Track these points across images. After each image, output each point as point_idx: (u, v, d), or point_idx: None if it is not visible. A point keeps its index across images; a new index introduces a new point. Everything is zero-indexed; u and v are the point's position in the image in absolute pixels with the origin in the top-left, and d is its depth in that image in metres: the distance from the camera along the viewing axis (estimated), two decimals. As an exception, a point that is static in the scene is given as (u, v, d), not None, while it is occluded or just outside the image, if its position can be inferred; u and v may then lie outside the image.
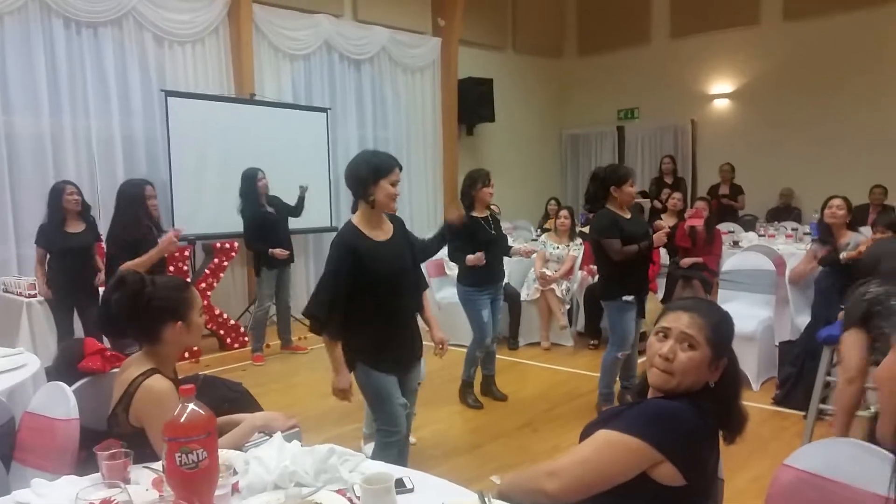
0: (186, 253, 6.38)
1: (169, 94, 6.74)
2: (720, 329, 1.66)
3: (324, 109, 8.14)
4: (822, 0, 9.18)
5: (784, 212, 9.26)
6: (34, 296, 5.34)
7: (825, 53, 9.26)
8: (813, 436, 3.72)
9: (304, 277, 8.19)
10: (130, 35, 6.77)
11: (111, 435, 2.04)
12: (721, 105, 10.50)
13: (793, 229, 7.58)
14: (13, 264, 6.08)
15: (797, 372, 4.53)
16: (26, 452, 2.37)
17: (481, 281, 4.58)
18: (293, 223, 6.81)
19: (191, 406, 1.53)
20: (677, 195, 7.11)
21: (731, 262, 5.46)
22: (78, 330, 4.93)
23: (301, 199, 6.40)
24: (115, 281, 2.10)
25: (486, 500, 1.57)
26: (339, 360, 2.79)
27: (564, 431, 4.17)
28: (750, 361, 4.89)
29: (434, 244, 4.42)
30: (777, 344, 5.09)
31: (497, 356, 5.04)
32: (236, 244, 6.58)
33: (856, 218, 4.83)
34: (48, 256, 4.98)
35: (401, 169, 2.87)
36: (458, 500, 1.66)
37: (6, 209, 6.08)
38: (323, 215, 7.97)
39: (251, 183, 5.93)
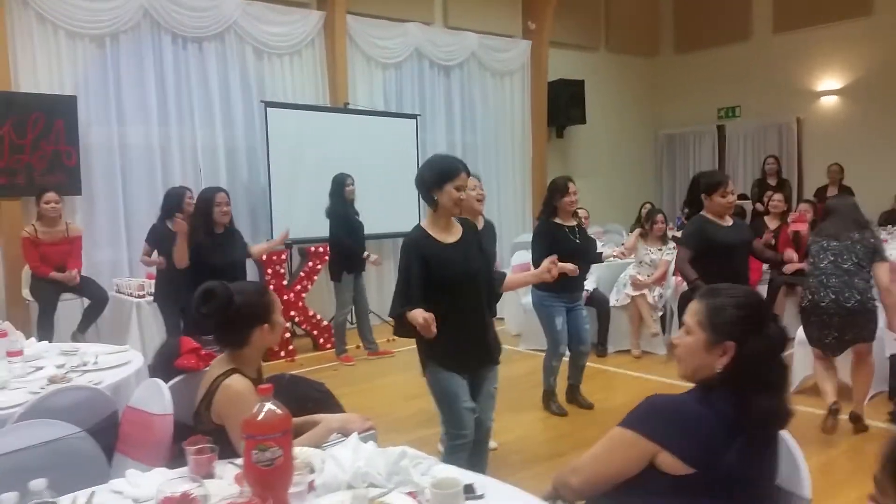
0: (283, 256, 6.64)
1: (268, 104, 7.04)
2: (719, 312, 1.69)
3: (413, 116, 8.28)
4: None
5: (897, 215, 8.63)
6: (143, 296, 5.70)
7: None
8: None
9: (391, 280, 8.31)
10: (232, 48, 7.13)
11: (197, 431, 2.15)
12: (829, 102, 9.90)
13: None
14: (125, 266, 6.50)
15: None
16: (127, 445, 2.52)
17: (557, 287, 4.49)
18: (382, 227, 6.97)
19: (268, 405, 1.59)
20: (778, 197, 6.79)
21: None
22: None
23: None
24: (203, 293, 2.19)
25: None
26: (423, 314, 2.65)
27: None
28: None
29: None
30: (888, 356, 4.74)
31: (587, 363, 4.94)
32: (329, 248, 6.77)
33: None
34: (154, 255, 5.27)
35: (469, 174, 2.88)
36: None
37: (119, 214, 6.51)
38: (411, 219, 8.01)
39: (340, 187, 6.09)
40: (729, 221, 4.20)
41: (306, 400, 2.52)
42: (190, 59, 6.90)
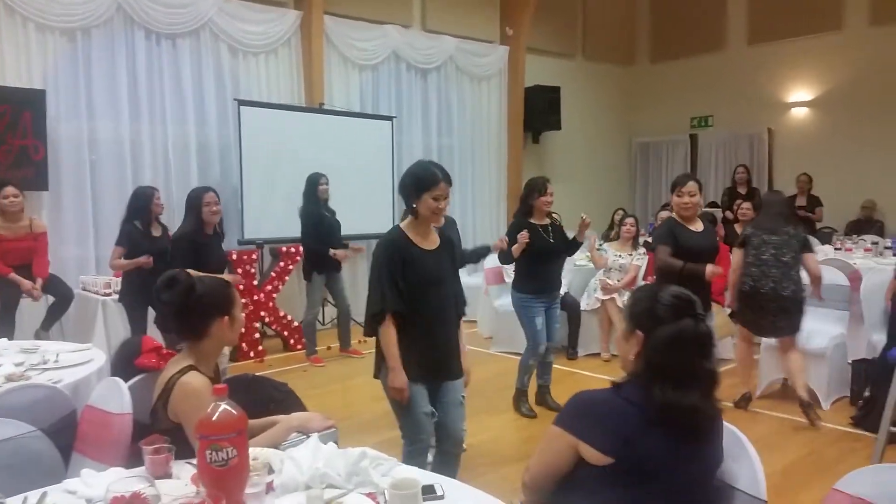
0: (254, 256, 6.58)
1: (241, 103, 6.98)
2: (636, 304, 1.80)
3: (390, 118, 8.26)
4: (913, 3, 8.72)
5: (865, 224, 8.81)
6: (109, 294, 5.60)
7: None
8: (883, 459, 3.53)
9: (365, 281, 8.28)
10: (207, 45, 7.05)
11: (154, 430, 2.12)
12: (799, 113, 10.08)
13: (873, 243, 7.21)
14: (91, 264, 6.38)
15: (875, 393, 4.31)
16: (85, 444, 2.47)
17: (536, 288, 4.54)
18: (357, 228, 6.93)
19: (223, 405, 1.57)
20: (746, 205, 6.90)
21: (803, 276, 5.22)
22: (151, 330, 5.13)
23: None
24: (166, 280, 2.17)
25: None
26: (395, 357, 2.75)
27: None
28: (820, 378, 4.71)
29: (472, 256, 4.69)
30: (850, 362, 4.84)
31: (555, 366, 4.98)
32: (302, 248, 6.73)
33: None
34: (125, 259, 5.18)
35: (449, 184, 2.84)
36: None
37: (87, 210, 6.40)
38: (386, 221, 8.03)
39: (313, 187, 6.06)
40: (700, 227, 4.27)
41: (268, 400, 2.49)
42: (163, 56, 6.81)
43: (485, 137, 9.58)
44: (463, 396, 3.00)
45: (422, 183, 2.79)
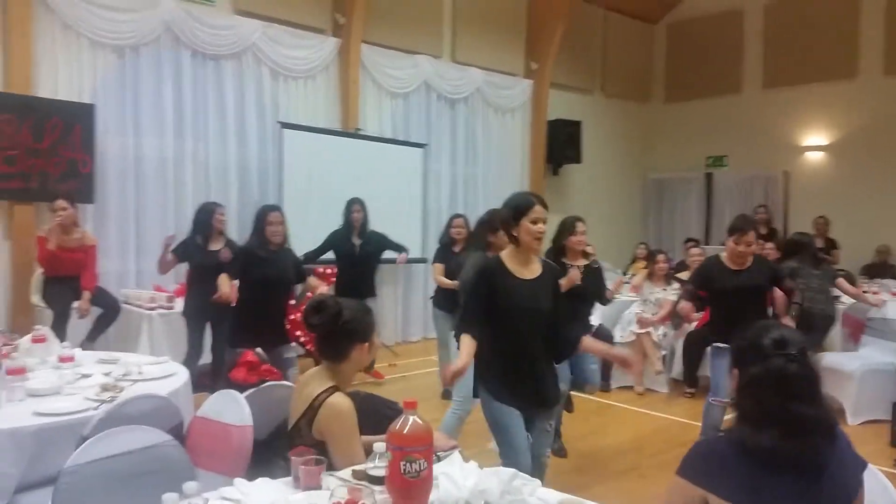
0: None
1: (284, 125, 7.10)
2: (737, 341, 1.82)
3: (421, 145, 8.41)
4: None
5: (880, 268, 8.98)
6: (154, 308, 5.64)
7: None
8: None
9: (393, 306, 8.38)
10: (249, 68, 7.19)
11: (294, 445, 2.17)
12: (815, 157, 10.34)
13: (898, 287, 7.38)
14: (131, 277, 6.43)
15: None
16: (198, 455, 2.53)
17: None
18: (387, 253, 6.94)
19: (412, 418, 1.65)
20: (769, 245, 7.04)
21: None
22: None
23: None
24: (314, 304, 2.25)
25: None
26: (468, 350, 2.77)
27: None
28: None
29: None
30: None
31: (590, 397, 5.00)
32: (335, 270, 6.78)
33: None
34: (188, 273, 5.26)
35: (545, 207, 2.89)
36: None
37: (129, 225, 6.46)
38: (414, 246, 8.12)
39: (346, 212, 6.10)
40: (746, 264, 4.22)
41: (382, 418, 2.55)
42: (208, 76, 6.94)
43: (508, 168, 9.75)
44: (551, 424, 3.06)
45: (518, 209, 2.85)
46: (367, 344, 2.26)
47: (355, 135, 7.78)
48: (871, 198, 9.52)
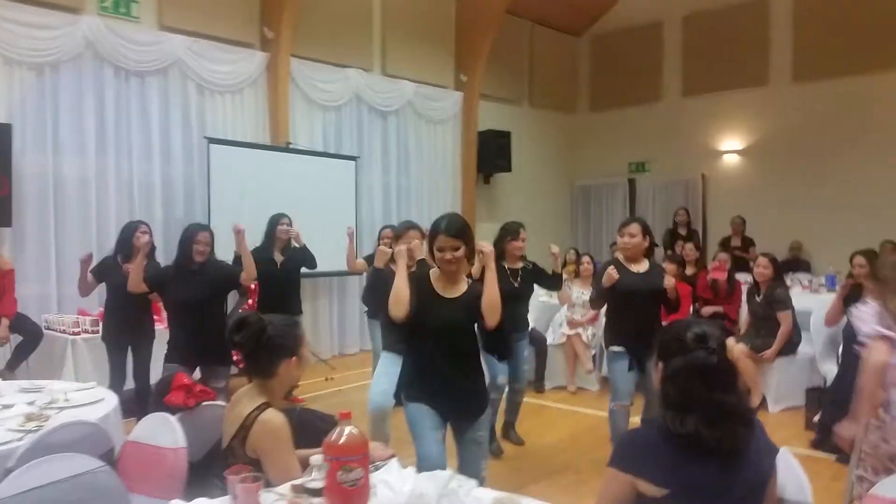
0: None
1: (211, 140, 7.00)
2: (661, 335, 1.96)
3: (352, 158, 8.43)
4: (831, 63, 9.61)
5: (794, 264, 9.48)
6: (78, 333, 5.47)
7: (833, 114, 9.66)
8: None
9: (328, 318, 8.35)
10: (175, 84, 7.07)
11: (229, 465, 2.18)
12: (731, 161, 10.86)
13: (808, 281, 7.80)
14: (53, 302, 6.21)
15: (825, 419, 4.71)
16: (131, 480, 2.49)
17: None
18: (320, 266, 6.85)
19: (348, 428, 1.69)
20: (689, 246, 7.35)
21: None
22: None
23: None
24: (237, 322, 2.26)
25: None
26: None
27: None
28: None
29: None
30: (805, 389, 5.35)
31: (525, 399, 5.09)
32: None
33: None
34: (106, 295, 5.06)
35: (449, 234, 2.83)
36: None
37: (49, 248, 6.24)
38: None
39: (270, 227, 5.97)
40: (643, 268, 4.16)
41: (318, 431, 2.58)
42: (132, 92, 6.78)
43: (440, 178, 9.87)
44: (481, 434, 3.01)
45: (429, 234, 2.95)
46: (295, 358, 2.28)
47: (286, 149, 7.74)
48: (783, 197, 10.07)
